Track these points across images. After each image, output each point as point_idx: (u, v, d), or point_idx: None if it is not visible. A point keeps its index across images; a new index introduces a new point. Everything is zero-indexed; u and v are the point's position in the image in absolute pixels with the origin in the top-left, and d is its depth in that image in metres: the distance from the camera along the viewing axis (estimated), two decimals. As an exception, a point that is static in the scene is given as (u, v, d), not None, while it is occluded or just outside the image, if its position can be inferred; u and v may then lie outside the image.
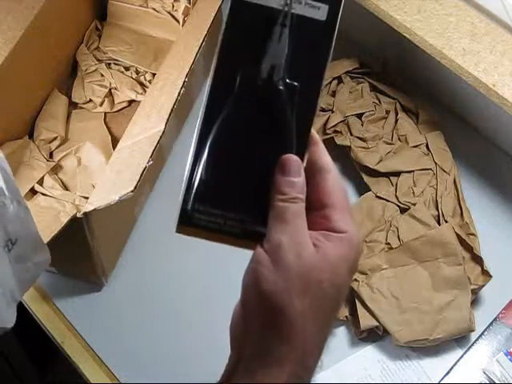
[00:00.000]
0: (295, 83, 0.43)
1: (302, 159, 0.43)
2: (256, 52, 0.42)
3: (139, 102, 0.95)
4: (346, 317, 0.81)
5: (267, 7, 0.42)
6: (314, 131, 0.43)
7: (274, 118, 0.42)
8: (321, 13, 0.43)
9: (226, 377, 0.41)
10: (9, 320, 0.49)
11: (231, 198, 0.42)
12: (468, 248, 0.83)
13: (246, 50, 0.43)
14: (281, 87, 0.42)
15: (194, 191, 0.42)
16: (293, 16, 0.42)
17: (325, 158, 0.43)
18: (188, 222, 0.42)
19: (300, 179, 0.42)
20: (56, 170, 0.91)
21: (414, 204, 0.86)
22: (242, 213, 0.42)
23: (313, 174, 0.43)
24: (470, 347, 0.80)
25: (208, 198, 0.42)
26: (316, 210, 0.42)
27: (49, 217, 0.68)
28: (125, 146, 0.77)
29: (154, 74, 0.98)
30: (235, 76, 0.42)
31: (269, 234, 0.41)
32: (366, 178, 0.90)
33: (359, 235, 0.43)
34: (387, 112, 0.94)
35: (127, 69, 1.00)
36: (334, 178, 0.43)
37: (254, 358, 0.40)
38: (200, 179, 0.42)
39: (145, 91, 0.97)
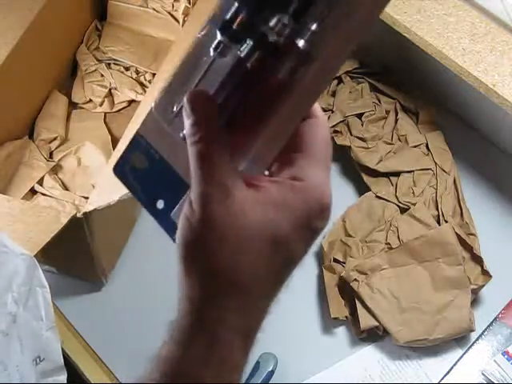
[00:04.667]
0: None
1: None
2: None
3: (139, 101, 0.95)
4: (346, 317, 0.81)
5: None
6: None
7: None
8: None
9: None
10: None
11: None
12: (468, 248, 0.83)
13: None
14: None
15: None
16: None
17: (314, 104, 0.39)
18: None
19: (206, 114, 0.37)
20: (56, 170, 0.91)
21: (414, 204, 0.86)
22: None
23: None
24: (470, 347, 0.80)
25: None
26: (285, 153, 0.38)
27: (49, 217, 0.68)
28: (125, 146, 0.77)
29: (153, 74, 0.98)
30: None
31: (191, 185, 0.37)
32: (365, 178, 0.90)
33: (325, 189, 0.37)
34: (387, 112, 0.94)
35: (127, 69, 1.00)
36: (318, 125, 0.38)
37: (172, 326, 0.39)
38: None
39: (145, 91, 0.97)
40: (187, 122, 0.38)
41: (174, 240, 0.41)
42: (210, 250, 0.36)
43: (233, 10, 0.37)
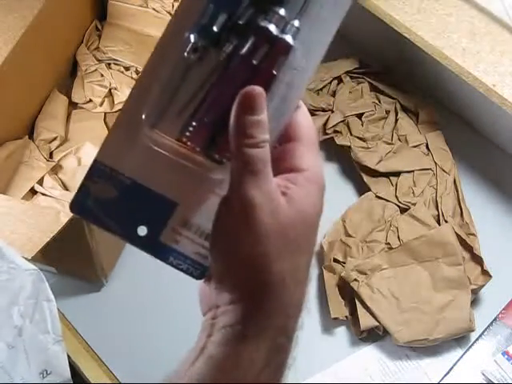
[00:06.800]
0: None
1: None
2: None
3: (139, 101, 0.95)
4: (346, 317, 0.81)
5: None
6: None
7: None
8: None
9: (195, 351, 0.39)
10: None
11: None
12: (468, 248, 0.83)
13: None
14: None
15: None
16: None
17: None
18: None
19: (265, 116, 0.37)
20: (56, 169, 0.91)
21: (414, 204, 0.86)
22: None
23: None
24: (470, 347, 0.80)
25: None
26: (280, 143, 0.39)
27: (49, 217, 0.68)
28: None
29: (153, 74, 0.98)
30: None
31: (238, 189, 0.36)
32: (365, 178, 0.90)
33: (322, 170, 0.39)
34: (387, 112, 0.94)
35: (127, 69, 1.00)
36: (303, 112, 0.40)
37: (228, 331, 0.37)
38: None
39: (145, 91, 0.97)
40: (251, 119, 0.36)
41: (169, 263, 0.40)
42: (271, 258, 0.36)
43: (209, 13, 0.37)
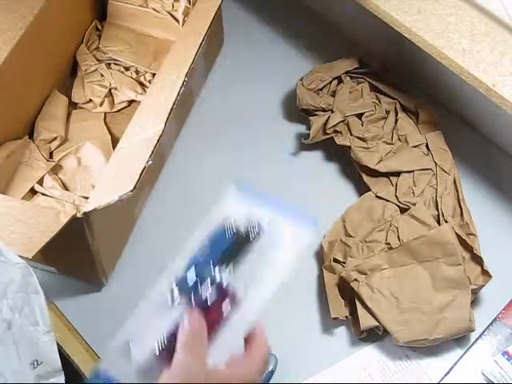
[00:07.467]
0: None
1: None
2: None
3: (139, 101, 0.95)
4: (346, 317, 0.81)
5: None
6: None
7: None
8: None
9: None
10: None
11: None
12: (468, 248, 0.83)
13: None
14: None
15: None
16: None
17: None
18: None
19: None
20: (56, 169, 0.91)
21: (414, 204, 0.86)
22: None
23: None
24: (470, 347, 0.80)
25: None
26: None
27: (49, 217, 0.68)
28: (124, 146, 0.77)
29: (153, 74, 0.98)
30: None
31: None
32: (365, 178, 0.90)
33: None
34: (387, 112, 0.94)
35: (127, 69, 1.00)
36: (256, 336, 0.54)
37: None
38: None
39: (145, 91, 0.97)
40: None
41: None
42: None
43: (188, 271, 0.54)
